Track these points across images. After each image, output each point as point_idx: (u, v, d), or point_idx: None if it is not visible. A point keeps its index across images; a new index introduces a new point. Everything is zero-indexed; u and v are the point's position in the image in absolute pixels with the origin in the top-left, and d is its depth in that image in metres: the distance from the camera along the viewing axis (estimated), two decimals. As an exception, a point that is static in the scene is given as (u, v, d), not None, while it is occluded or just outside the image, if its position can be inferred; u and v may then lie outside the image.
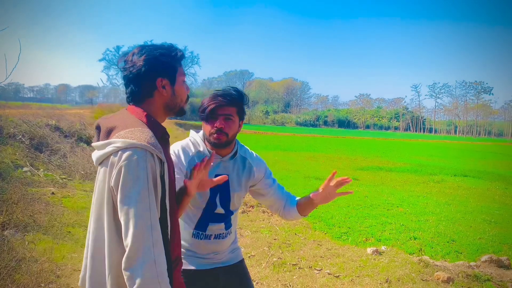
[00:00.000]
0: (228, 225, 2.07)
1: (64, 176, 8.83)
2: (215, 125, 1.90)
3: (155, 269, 1.28)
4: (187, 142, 2.03)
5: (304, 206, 2.09)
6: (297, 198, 2.17)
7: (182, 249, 1.93)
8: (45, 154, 10.09)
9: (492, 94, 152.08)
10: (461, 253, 6.07)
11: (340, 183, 1.99)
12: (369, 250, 5.24)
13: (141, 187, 1.30)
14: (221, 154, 2.00)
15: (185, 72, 1.58)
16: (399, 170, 16.22)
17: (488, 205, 10.10)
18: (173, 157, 1.92)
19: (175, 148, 1.98)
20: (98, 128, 1.46)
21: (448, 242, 6.62)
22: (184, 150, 1.99)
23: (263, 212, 6.68)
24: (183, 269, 1.93)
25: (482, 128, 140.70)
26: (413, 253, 5.82)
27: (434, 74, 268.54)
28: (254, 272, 4.14)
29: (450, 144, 54.97)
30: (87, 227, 1.45)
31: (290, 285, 3.89)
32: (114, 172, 1.31)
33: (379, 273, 4.06)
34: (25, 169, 8.54)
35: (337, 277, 4.10)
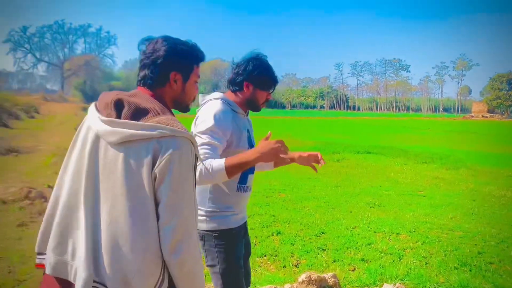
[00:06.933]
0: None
1: None
2: (267, 96, 2.25)
3: (198, 250, 1.46)
4: (223, 104, 2.09)
5: (281, 162, 2.40)
6: None
7: (222, 209, 2.12)
8: None
9: (409, 71, 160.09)
10: (325, 250, 5.04)
11: (317, 160, 2.41)
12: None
13: (190, 175, 1.41)
14: (246, 112, 2.25)
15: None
16: (302, 150, 15.35)
17: (379, 184, 9.38)
18: (217, 122, 2.01)
19: (218, 113, 2.02)
20: (120, 103, 1.43)
21: (315, 235, 5.59)
22: (226, 113, 2.07)
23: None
24: (226, 229, 2.11)
25: (402, 104, 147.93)
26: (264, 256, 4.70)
27: (356, 53, 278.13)
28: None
29: (369, 120, 56.47)
30: None
31: None
32: (163, 159, 1.35)
33: None
34: None
35: None
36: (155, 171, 1.35)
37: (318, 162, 2.41)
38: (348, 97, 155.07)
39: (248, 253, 2.39)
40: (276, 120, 46.10)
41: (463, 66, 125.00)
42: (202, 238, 2.12)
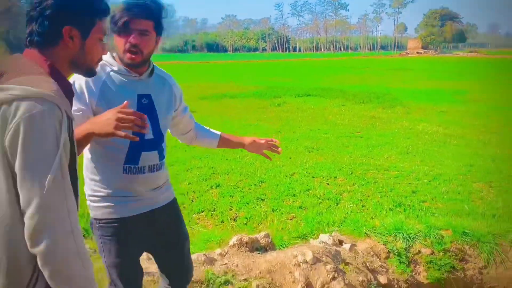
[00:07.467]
0: (161, 154, 1.85)
1: None
2: (129, 40, 1.64)
3: (73, 241, 1.15)
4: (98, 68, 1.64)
5: (228, 143, 2.23)
6: (211, 129, 2.20)
7: (108, 194, 1.76)
8: None
9: (348, 10, 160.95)
10: (264, 200, 4.97)
11: (270, 147, 2.20)
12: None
13: (50, 148, 1.13)
14: (138, 72, 1.76)
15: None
16: (244, 96, 15.16)
17: (318, 127, 9.42)
18: (77, 91, 1.65)
19: (79, 81, 1.65)
20: None
21: (255, 185, 5.50)
22: (92, 79, 1.65)
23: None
24: (112, 219, 1.77)
25: (341, 43, 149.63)
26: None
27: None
28: None
29: (310, 62, 56.66)
30: None
31: None
32: (11, 127, 1.10)
33: None
34: None
35: None
36: (5, 143, 1.12)
37: (272, 149, 2.22)
38: (289, 38, 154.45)
39: (178, 241, 2.02)
40: (219, 65, 45.14)
41: (399, 3, 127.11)
42: (90, 224, 1.84)
